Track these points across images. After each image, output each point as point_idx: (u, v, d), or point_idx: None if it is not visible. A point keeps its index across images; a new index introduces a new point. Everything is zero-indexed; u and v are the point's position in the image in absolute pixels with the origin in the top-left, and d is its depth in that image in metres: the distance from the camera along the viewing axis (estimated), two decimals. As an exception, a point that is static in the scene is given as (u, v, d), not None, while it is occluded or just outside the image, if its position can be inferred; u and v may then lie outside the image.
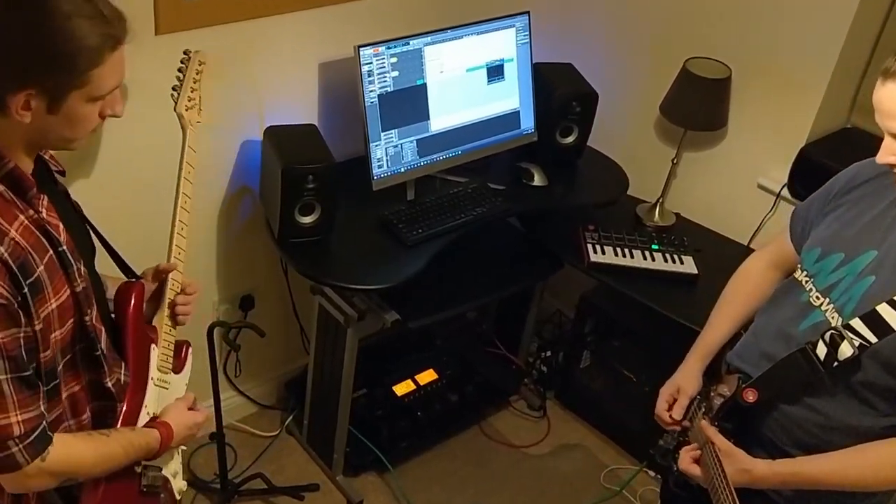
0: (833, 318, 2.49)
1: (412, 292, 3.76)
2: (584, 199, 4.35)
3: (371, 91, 3.65)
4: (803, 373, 2.52)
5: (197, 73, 2.86)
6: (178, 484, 2.76)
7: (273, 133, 3.60)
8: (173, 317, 2.65)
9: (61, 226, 2.18)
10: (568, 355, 4.81)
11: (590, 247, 4.05)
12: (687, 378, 2.92)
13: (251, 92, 3.67)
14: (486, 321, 5.00)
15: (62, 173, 2.38)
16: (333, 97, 3.91)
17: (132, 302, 2.50)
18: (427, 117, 3.87)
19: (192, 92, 2.81)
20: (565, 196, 4.27)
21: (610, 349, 4.62)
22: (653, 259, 4.02)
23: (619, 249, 4.05)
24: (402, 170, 3.86)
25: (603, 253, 4.03)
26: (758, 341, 2.75)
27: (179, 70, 2.85)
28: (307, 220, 3.58)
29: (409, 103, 3.80)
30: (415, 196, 3.97)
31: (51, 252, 2.12)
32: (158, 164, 3.34)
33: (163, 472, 2.61)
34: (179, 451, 2.78)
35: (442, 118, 3.92)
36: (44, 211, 2.13)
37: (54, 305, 2.12)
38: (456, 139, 4.00)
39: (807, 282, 2.62)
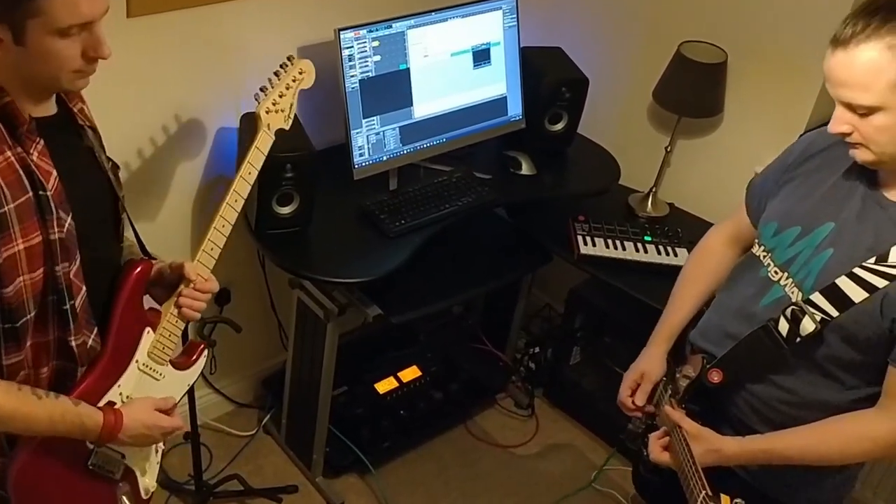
0: (793, 292, 2.57)
1: (395, 286, 3.77)
2: (573, 188, 4.37)
3: (352, 76, 3.65)
4: (767, 350, 2.61)
5: (293, 81, 2.86)
6: (147, 482, 2.78)
7: (250, 120, 3.56)
8: (179, 308, 2.66)
9: (54, 173, 2.25)
10: (557, 351, 4.83)
11: (580, 238, 4.06)
12: (650, 362, 3.01)
13: (227, 77, 3.68)
14: (472, 316, 5.02)
15: (94, 129, 2.47)
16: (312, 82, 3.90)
17: (131, 277, 2.54)
18: (410, 103, 3.88)
19: (280, 97, 2.81)
20: (554, 186, 4.28)
21: (601, 345, 4.64)
22: (645, 251, 4.04)
23: (610, 241, 4.06)
24: (385, 158, 3.86)
25: (593, 245, 4.04)
26: (720, 320, 2.83)
27: (275, 73, 2.86)
28: (285, 210, 3.59)
29: (391, 89, 3.80)
30: (397, 185, 3.97)
31: (30, 195, 2.19)
32: (128, 148, 3.35)
33: (125, 461, 2.65)
34: (157, 450, 2.81)
35: (426, 104, 3.93)
36: (35, 154, 2.22)
37: (21, 247, 2.19)
38: (440, 126, 4.01)
39: (765, 256, 2.69)
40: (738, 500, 2.45)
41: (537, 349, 5.01)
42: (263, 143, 2.76)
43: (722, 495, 2.47)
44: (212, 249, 2.68)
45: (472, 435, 4.72)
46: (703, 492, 2.49)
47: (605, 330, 4.62)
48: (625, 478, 4.35)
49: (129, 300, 2.54)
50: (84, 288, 2.39)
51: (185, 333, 2.85)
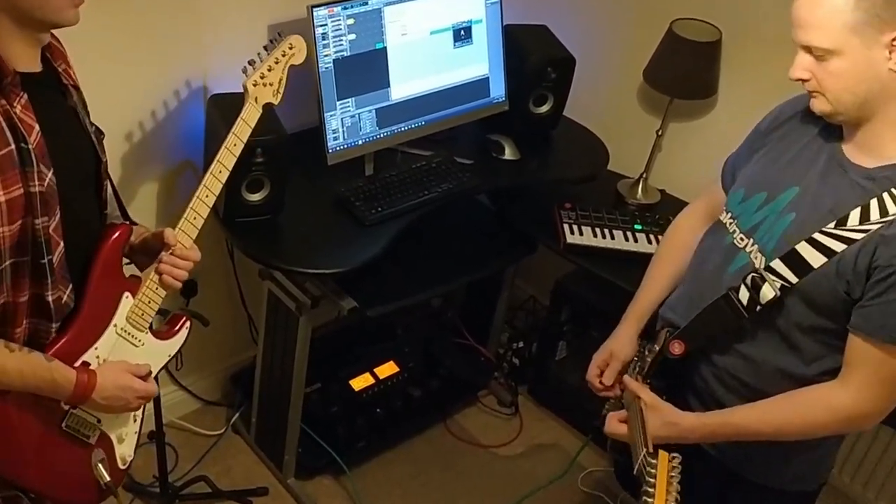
0: (756, 258, 2.64)
1: (371, 277, 3.78)
2: (559, 174, 4.37)
3: (326, 56, 3.66)
4: (728, 319, 2.69)
5: (283, 55, 2.95)
6: (124, 450, 2.89)
7: (218, 102, 3.60)
8: (159, 275, 2.75)
9: (36, 128, 2.35)
10: (542, 346, 4.85)
11: (566, 227, 4.07)
12: (620, 342, 3.09)
13: (194, 57, 3.69)
14: (453, 309, 5.03)
15: (78, 90, 2.58)
16: (284, 62, 3.90)
17: (110, 239, 2.66)
18: (387, 84, 3.89)
19: (268, 71, 2.91)
20: (539, 171, 4.30)
21: (588, 339, 4.62)
22: (635, 240, 4.05)
23: (598, 230, 4.07)
24: (360, 142, 3.87)
25: (580, 234, 4.05)
26: (688, 290, 2.91)
27: (265, 48, 2.95)
28: (255, 197, 3.60)
29: (367, 69, 3.81)
30: (374, 171, 3.99)
31: (12, 147, 2.29)
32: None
33: (101, 426, 2.76)
34: (136, 418, 2.91)
35: (404, 85, 3.94)
36: (18, 108, 2.32)
37: (2, 199, 2.28)
38: (419, 108, 4.02)
39: (730, 223, 2.76)
40: (674, 455, 2.53)
41: (521, 344, 5.03)
42: (250, 116, 2.87)
43: (660, 451, 2.55)
44: (195, 219, 2.79)
45: (453, 434, 4.74)
46: (645, 450, 2.56)
47: (592, 323, 4.62)
48: (612, 479, 4.38)
49: (106, 262, 2.65)
50: (62, 244, 2.48)
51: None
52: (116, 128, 3.55)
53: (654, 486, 2.48)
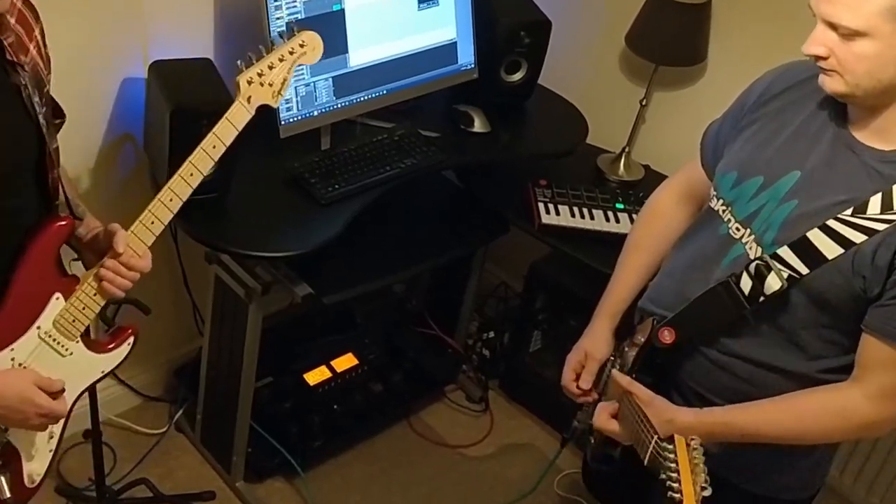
0: (752, 248, 2.64)
1: (328, 261, 3.80)
2: (534, 148, 4.41)
3: (278, 18, 3.65)
4: (726, 309, 2.68)
5: (290, 53, 2.79)
6: (33, 467, 2.82)
7: (160, 69, 3.60)
8: (99, 281, 2.69)
9: None
10: (515, 337, 4.89)
11: (541, 206, 4.10)
12: (594, 341, 3.10)
13: (132, 20, 3.67)
14: (417, 296, 5.06)
15: (21, 66, 2.49)
16: (232, 25, 3.92)
17: (46, 231, 2.60)
18: (345, 50, 3.89)
19: (269, 69, 2.75)
20: (512, 145, 4.33)
21: (565, 329, 4.65)
22: (617, 221, 4.08)
23: (576, 209, 4.10)
24: (316, 113, 3.88)
25: (557, 213, 4.08)
26: (675, 284, 2.89)
27: (271, 40, 2.84)
28: (201, 174, 3.60)
29: (323, 33, 3.76)
30: (331, 145, 4.00)
31: None
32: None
33: (8, 435, 2.70)
34: (52, 434, 2.84)
35: (363, 51, 3.95)
36: None
37: None
38: (380, 76, 4.03)
39: (724, 211, 2.75)
40: (693, 437, 2.50)
41: (492, 334, 5.07)
42: (237, 117, 2.71)
43: (676, 436, 2.51)
44: (152, 223, 2.72)
45: (417, 433, 4.77)
46: (656, 436, 2.55)
47: (569, 311, 4.62)
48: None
49: (38, 256, 2.59)
50: None
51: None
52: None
53: (676, 471, 2.44)
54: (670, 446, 2.49)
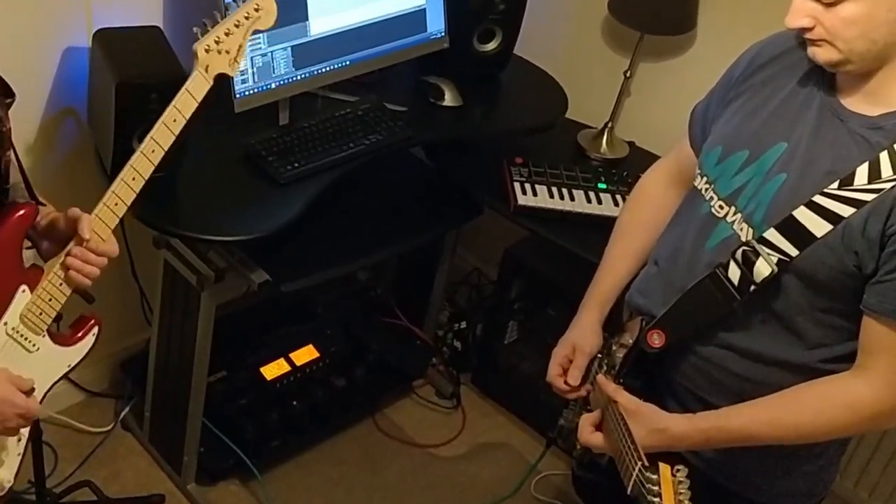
0: (742, 229, 2.65)
1: (286, 246, 3.83)
2: (509, 123, 4.44)
3: (232, -18, 3.68)
4: (716, 303, 2.68)
5: (245, 18, 2.83)
6: (2, 474, 2.89)
7: (105, 38, 3.59)
8: (66, 270, 2.72)
9: None
10: (488, 328, 4.92)
11: (517, 186, 4.11)
12: (582, 334, 3.07)
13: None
14: (382, 284, 5.08)
15: None
16: (182, -10, 3.93)
17: (8, 221, 2.63)
18: (305, 17, 3.89)
19: (225, 35, 2.80)
20: (485, 120, 4.36)
21: (543, 319, 4.71)
22: (599, 202, 4.11)
23: (555, 189, 4.12)
24: (273, 86, 3.89)
25: (534, 194, 4.10)
26: (660, 271, 2.91)
27: (225, 6, 2.92)
28: (148, 150, 3.61)
29: (281, -1, 3.83)
30: (289, 120, 4.01)
31: None
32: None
33: None
34: (20, 438, 2.91)
35: (324, 18, 3.94)
36: None
37: None
38: (343, 46, 4.03)
39: (707, 189, 2.76)
40: (678, 467, 2.48)
41: (464, 325, 5.08)
42: (197, 87, 2.79)
43: (660, 463, 2.47)
44: (116, 205, 2.73)
45: (382, 432, 4.80)
46: (639, 463, 2.51)
47: (548, 300, 4.67)
48: (569, 483, 4.44)
49: (2, 247, 2.62)
50: None
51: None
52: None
53: None
54: (654, 476, 2.44)
